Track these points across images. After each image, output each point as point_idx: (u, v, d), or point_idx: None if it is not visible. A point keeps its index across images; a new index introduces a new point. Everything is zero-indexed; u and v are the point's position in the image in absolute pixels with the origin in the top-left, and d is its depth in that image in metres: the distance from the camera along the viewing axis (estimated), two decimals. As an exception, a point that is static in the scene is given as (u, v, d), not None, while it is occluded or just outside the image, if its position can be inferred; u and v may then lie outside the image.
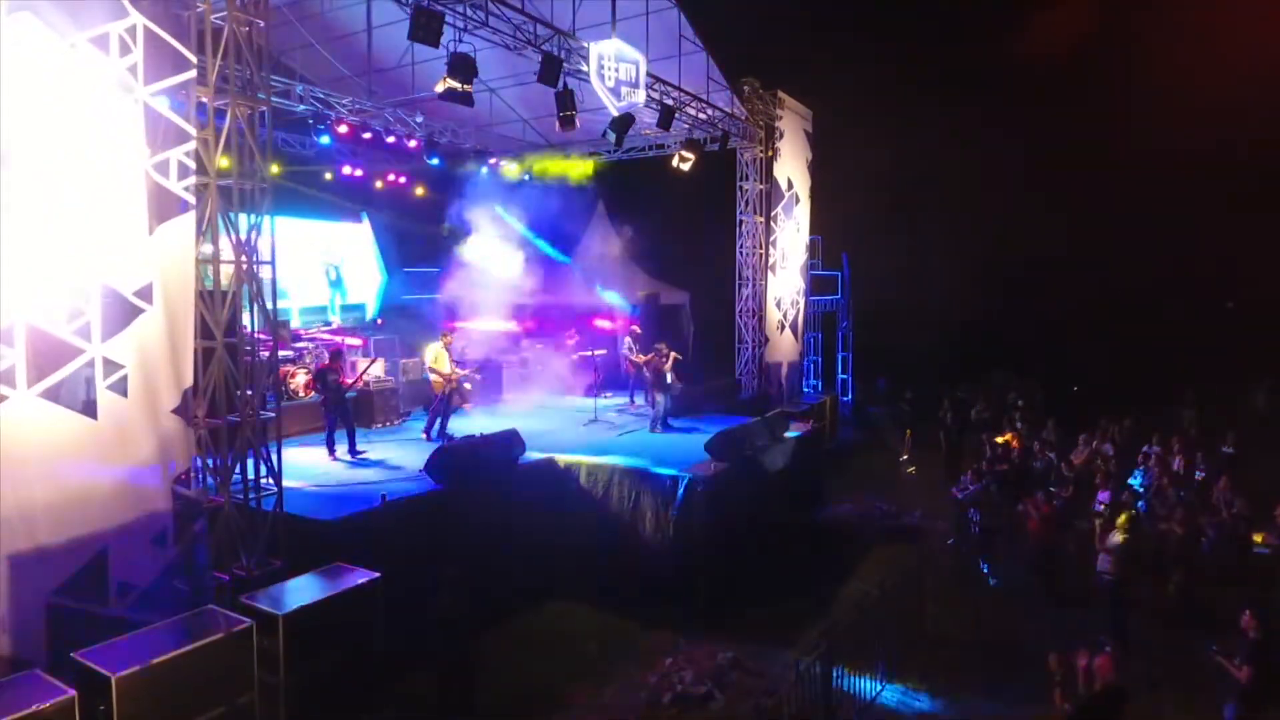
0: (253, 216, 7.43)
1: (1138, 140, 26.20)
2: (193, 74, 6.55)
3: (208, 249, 7.02)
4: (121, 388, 6.19)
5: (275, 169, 15.52)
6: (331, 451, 10.77)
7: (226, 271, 7.23)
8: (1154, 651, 8.30)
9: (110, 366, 6.11)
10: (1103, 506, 9.97)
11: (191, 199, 6.61)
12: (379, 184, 18.01)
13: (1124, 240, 27.67)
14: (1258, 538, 9.19)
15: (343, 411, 10.84)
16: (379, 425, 13.03)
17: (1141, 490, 11.13)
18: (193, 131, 6.59)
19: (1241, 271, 26.53)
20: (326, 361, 11.07)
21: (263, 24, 7.29)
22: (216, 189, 7.00)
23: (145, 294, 6.32)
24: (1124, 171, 26.58)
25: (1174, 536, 9.44)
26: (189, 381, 6.72)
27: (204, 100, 6.88)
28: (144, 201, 6.28)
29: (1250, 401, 20.87)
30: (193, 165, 6.60)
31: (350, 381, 11.40)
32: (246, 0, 7.15)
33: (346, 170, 17.16)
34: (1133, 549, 8.79)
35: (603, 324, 14.85)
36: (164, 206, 6.42)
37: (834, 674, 7.24)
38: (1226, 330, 25.96)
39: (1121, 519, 8.78)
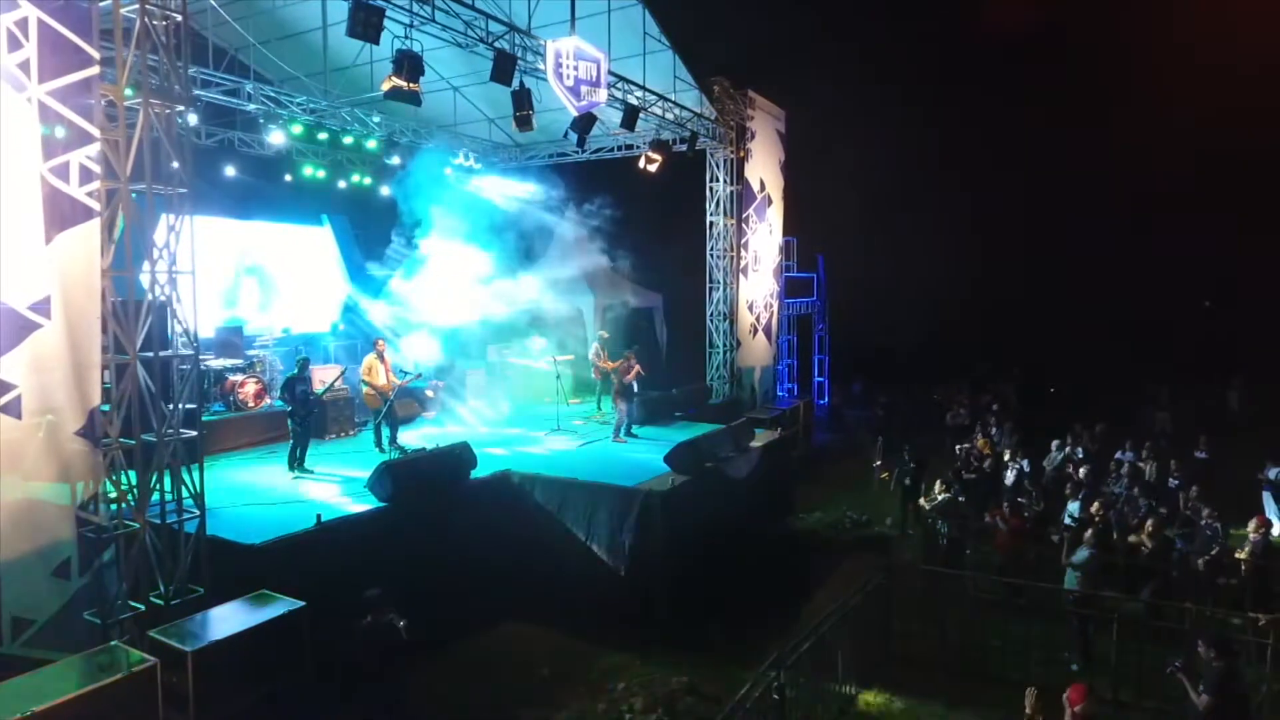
0: (173, 218, 6.98)
1: (1116, 140, 26.14)
2: (95, 71, 6.10)
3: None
4: (15, 409, 5.75)
5: (230, 170, 15.34)
6: (292, 466, 10.37)
7: (146, 281, 6.81)
8: (1121, 669, 8.03)
9: (2, 387, 5.67)
10: (1071, 520, 9.71)
11: (96, 205, 6.17)
12: (342, 184, 17.53)
13: (1101, 240, 27.64)
14: (1240, 554, 8.92)
15: (308, 424, 10.46)
16: (333, 436, 12.60)
17: (1113, 500, 10.86)
18: (96, 133, 6.14)
19: (1220, 271, 26.58)
20: (295, 371, 10.63)
21: (180, 18, 6.84)
22: (129, 194, 6.57)
23: (42, 308, 5.88)
24: (1102, 171, 26.53)
25: (1144, 549, 9.16)
26: (96, 400, 6.27)
27: (112, 100, 6.44)
28: (39, 208, 5.83)
29: (1225, 402, 20.79)
30: (96, 169, 6.16)
31: (328, 396, 11.01)
32: (162, -8, 6.71)
33: (308, 171, 16.69)
34: (1100, 564, 8.52)
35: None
36: (63, 213, 5.98)
37: (790, 699, 6.91)
38: (1203, 329, 26.00)
39: (1088, 533, 8.51)
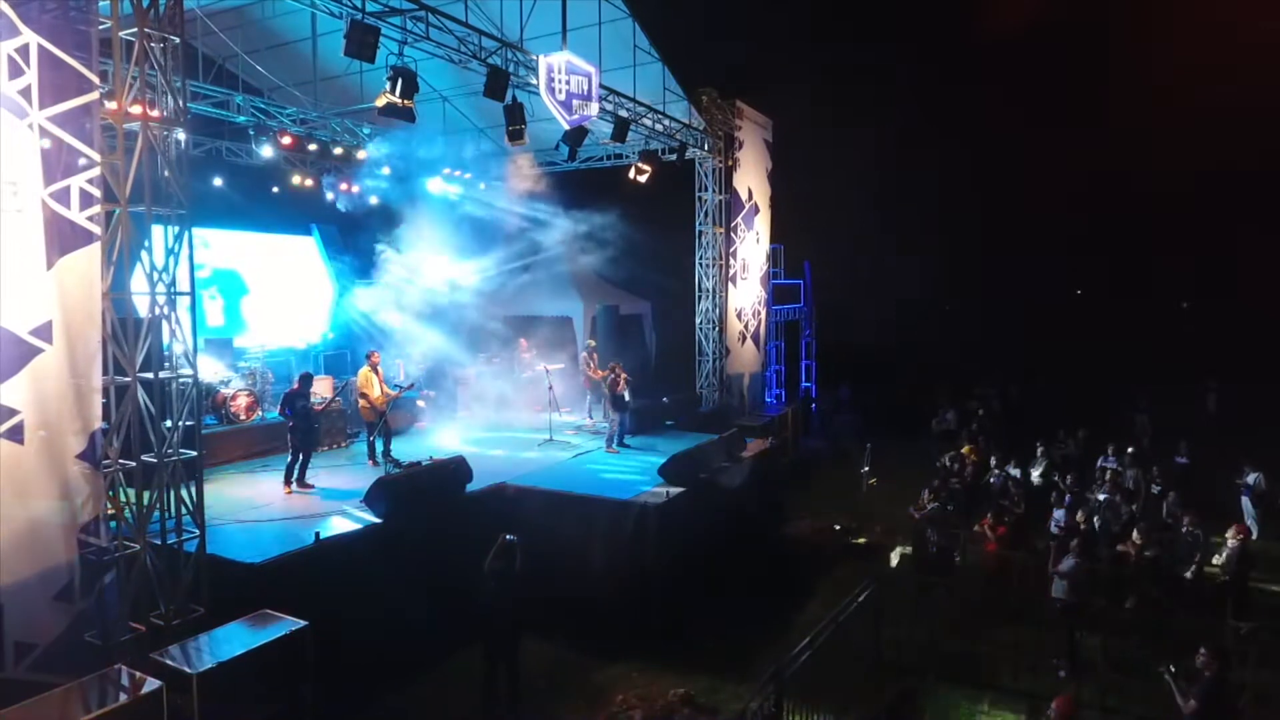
0: (171, 239, 6.98)
1: (1095, 143, 26.59)
2: (95, 96, 6.12)
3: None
4: (17, 435, 5.75)
5: (218, 180, 15.27)
6: (289, 482, 10.30)
7: (144, 302, 6.81)
8: (1109, 675, 8.23)
9: (4, 413, 5.67)
10: (1057, 528, 9.90)
11: (96, 229, 6.18)
12: (330, 194, 17.48)
13: (1083, 241, 28.08)
14: (1216, 561, 9.16)
15: (309, 440, 10.40)
16: (325, 448, 12.56)
17: (1097, 507, 11.07)
18: (96, 157, 6.15)
19: (1199, 272, 27.11)
20: (296, 385, 10.54)
21: (178, 40, 6.86)
22: (129, 216, 6.58)
23: (44, 332, 5.88)
24: (1083, 172, 26.95)
25: (1129, 557, 9.38)
26: (97, 423, 6.28)
27: (112, 123, 6.44)
28: (41, 233, 5.84)
29: (1201, 404, 21.21)
30: (96, 193, 6.17)
31: (320, 407, 10.88)
32: (160, 15, 6.71)
33: (296, 180, 16.65)
34: (1086, 572, 8.72)
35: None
36: (65, 238, 5.99)
37: (785, 713, 7.03)
38: (1182, 331, 26.50)
39: (1074, 542, 8.70)
